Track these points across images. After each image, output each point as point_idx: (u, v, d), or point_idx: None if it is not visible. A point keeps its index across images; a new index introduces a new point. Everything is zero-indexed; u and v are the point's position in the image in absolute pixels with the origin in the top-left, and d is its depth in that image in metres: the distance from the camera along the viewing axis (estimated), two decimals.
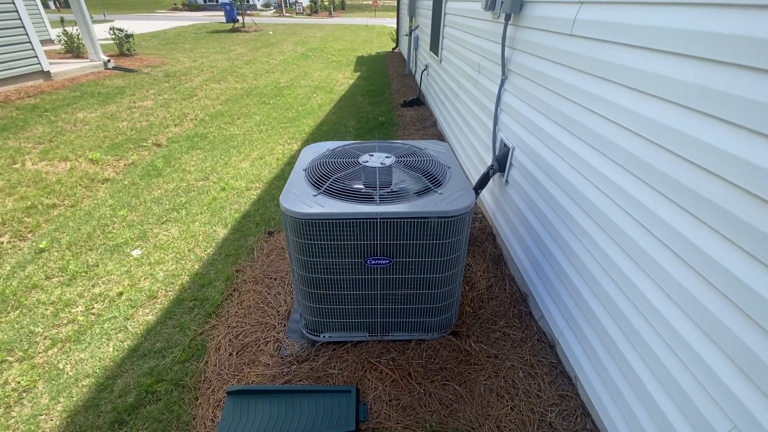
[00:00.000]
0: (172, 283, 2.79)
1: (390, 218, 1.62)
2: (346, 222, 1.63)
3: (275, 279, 2.71)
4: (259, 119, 6.23)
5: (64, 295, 2.70)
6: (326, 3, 38.21)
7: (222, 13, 24.12)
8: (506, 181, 2.61)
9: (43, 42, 11.01)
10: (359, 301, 1.89)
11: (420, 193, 1.73)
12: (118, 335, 2.37)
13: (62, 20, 10.85)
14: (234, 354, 2.14)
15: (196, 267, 2.94)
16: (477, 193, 2.81)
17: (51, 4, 29.86)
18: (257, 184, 4.15)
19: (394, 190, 1.75)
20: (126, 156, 4.91)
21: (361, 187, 1.79)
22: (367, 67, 10.37)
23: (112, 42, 11.05)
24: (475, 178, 3.36)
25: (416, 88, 7.76)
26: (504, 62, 2.61)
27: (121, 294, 2.68)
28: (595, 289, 1.70)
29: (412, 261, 1.76)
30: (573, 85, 1.84)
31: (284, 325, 2.28)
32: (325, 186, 1.76)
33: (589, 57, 1.72)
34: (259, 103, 7.09)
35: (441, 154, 2.18)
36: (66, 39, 9.69)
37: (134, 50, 10.89)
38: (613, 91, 1.57)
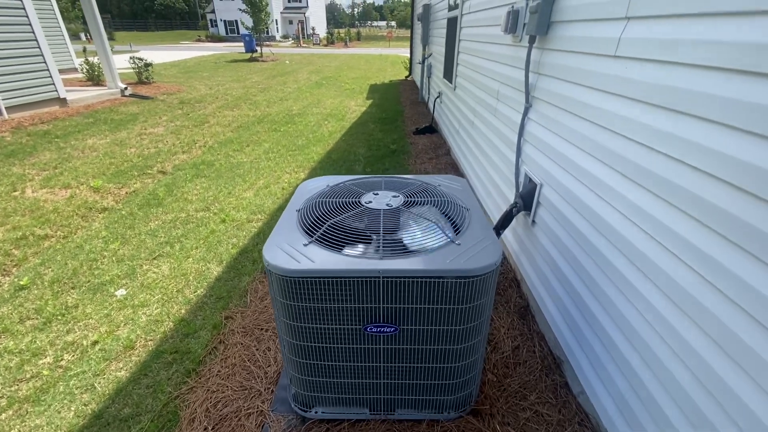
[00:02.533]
0: (154, 330, 2.48)
1: (395, 277, 1.30)
2: (341, 281, 1.31)
3: (266, 330, 2.38)
4: (268, 147, 6.07)
5: (34, 342, 2.42)
6: (342, 34, 39.43)
7: (242, 43, 24.95)
8: (533, 221, 2.28)
9: (68, 70, 11.37)
10: (358, 374, 1.55)
11: (433, 244, 1.41)
12: (84, 396, 2.06)
13: (85, 50, 11.22)
14: (209, 429, 1.79)
15: (183, 312, 2.63)
16: (498, 234, 2.47)
17: (82, 35, 31.51)
18: (259, 216, 3.89)
19: (401, 239, 1.44)
20: (129, 184, 4.75)
21: (362, 235, 1.48)
22: (379, 95, 10.32)
23: (132, 71, 11.33)
24: (495, 216, 3.03)
25: (429, 116, 7.58)
26: (528, 89, 2.33)
27: (95, 343, 2.39)
28: (662, 376, 1.32)
29: (423, 329, 1.42)
30: (621, 115, 1.53)
31: (271, 391, 1.93)
32: (318, 233, 1.46)
33: (641, 81, 1.42)
34: (270, 131, 6.98)
35: (457, 191, 1.87)
36: (87, 68, 9.94)
37: (152, 78, 11.12)
38: (675, 121, 1.25)
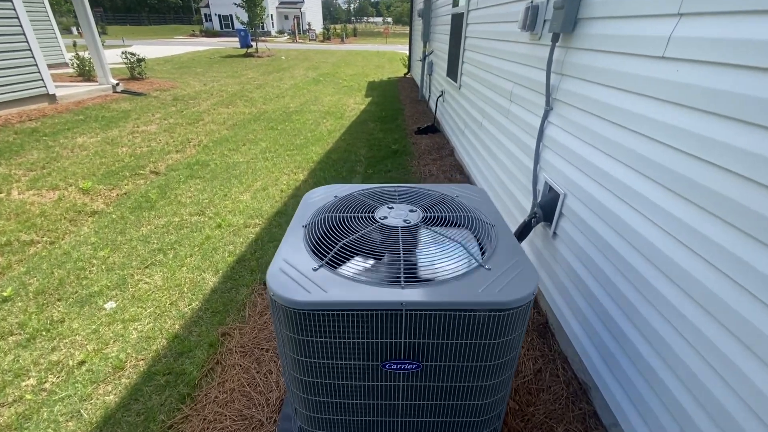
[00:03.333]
0: (145, 348, 2.31)
1: (420, 310, 1.14)
2: (358, 314, 1.14)
3: (266, 350, 2.21)
4: (265, 146, 5.88)
5: (18, 360, 2.24)
6: (338, 30, 39.04)
7: (237, 39, 24.58)
8: (554, 233, 2.12)
9: (58, 65, 11.06)
10: (374, 413, 1.39)
11: (460, 269, 1.25)
12: (69, 424, 1.88)
13: (75, 44, 10.89)
14: None
15: (177, 327, 2.46)
16: None
17: (74, 29, 30.90)
18: (257, 221, 3.71)
19: (423, 263, 1.27)
20: (120, 185, 4.55)
21: (379, 257, 1.31)
22: (378, 93, 10.13)
23: (124, 66, 11.03)
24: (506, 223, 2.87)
25: (430, 115, 7.41)
26: (549, 91, 2.17)
27: (82, 363, 2.21)
28: (717, 417, 1.18)
29: (449, 366, 1.26)
30: (669, 123, 1.37)
31: (274, 420, 1.77)
32: (329, 255, 1.29)
33: (697, 86, 1.26)
34: (267, 129, 6.77)
35: (478, 204, 1.71)
36: (78, 63, 9.65)
37: (145, 74, 10.84)
38: (744, 134, 1.10)
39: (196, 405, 1.93)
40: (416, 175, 4.71)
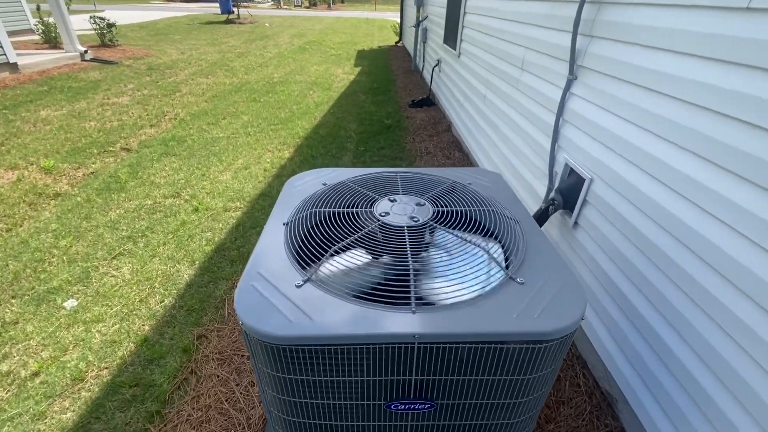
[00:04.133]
0: (110, 355, 2.03)
1: (437, 343, 0.87)
2: (355, 349, 0.87)
3: (248, 357, 1.95)
4: (247, 120, 5.44)
5: None
6: None
7: (217, 4, 23.16)
8: (575, 223, 1.86)
9: (23, 32, 10.17)
10: None
11: (485, 284, 0.98)
12: None
13: (38, 8, 9.97)
14: None
15: (146, 328, 2.18)
16: None
17: None
18: (238, 204, 3.38)
19: (439, 278, 0.99)
20: (86, 164, 4.13)
21: (382, 270, 1.03)
22: (368, 62, 9.57)
23: (93, 32, 10.19)
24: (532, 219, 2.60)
25: (425, 87, 6.98)
26: (573, 56, 1.85)
27: (36, 374, 1.93)
28: None
29: (469, 404, 1.00)
30: (749, 94, 1.08)
31: None
32: (317, 268, 1.01)
33: None
34: (249, 101, 6.30)
35: (494, 192, 1.43)
36: (43, 28, 8.84)
37: (117, 41, 10.04)
38: None
39: (165, 425, 1.67)
40: (411, 152, 4.38)
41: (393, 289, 0.94)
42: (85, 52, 8.32)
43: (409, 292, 0.94)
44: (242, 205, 3.36)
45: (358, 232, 1.11)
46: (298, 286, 0.96)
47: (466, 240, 1.09)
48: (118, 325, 2.20)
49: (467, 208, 1.25)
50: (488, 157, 3.32)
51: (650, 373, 1.43)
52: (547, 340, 0.88)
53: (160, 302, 2.35)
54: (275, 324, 0.86)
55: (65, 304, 2.33)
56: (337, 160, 4.24)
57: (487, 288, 0.96)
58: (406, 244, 1.06)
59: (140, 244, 2.85)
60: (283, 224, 1.21)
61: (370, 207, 1.23)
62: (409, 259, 1.01)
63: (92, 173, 3.94)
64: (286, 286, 0.96)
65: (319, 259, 1.02)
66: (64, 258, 2.72)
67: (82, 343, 2.09)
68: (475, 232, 1.18)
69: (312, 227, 1.19)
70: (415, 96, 6.40)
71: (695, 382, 1.24)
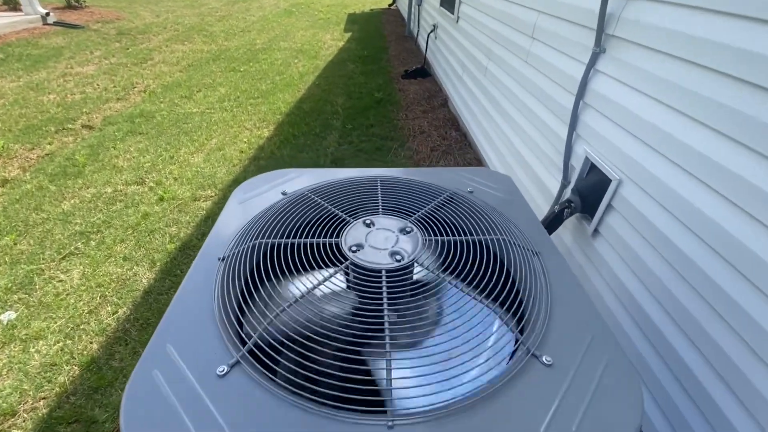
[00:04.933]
0: (49, 381, 1.74)
1: None
2: None
3: None
4: (225, 92, 4.97)
5: None
6: None
7: None
8: (595, 230, 1.55)
9: None
10: None
11: (496, 371, 0.67)
12: None
13: None
14: None
15: (93, 347, 1.88)
16: None
17: None
18: (209, 192, 3.03)
19: (429, 362, 0.68)
20: (42, 144, 3.71)
21: (345, 351, 0.71)
22: (359, 27, 8.91)
23: None
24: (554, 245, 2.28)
25: (419, 55, 6.46)
26: (602, 24, 1.48)
27: None
28: None
29: None
30: None
31: None
32: (252, 340, 0.69)
33: None
34: (227, 71, 5.77)
35: (505, 206, 1.10)
36: None
37: (84, 2, 9.21)
38: None
39: None
40: (403, 131, 3.99)
41: (361, 387, 0.62)
42: (47, 14, 7.59)
43: (384, 388, 0.63)
44: (213, 194, 3.00)
45: (316, 279, 0.79)
46: (221, 375, 0.65)
47: (469, 295, 0.77)
48: (61, 343, 1.90)
49: (468, 238, 0.93)
50: (488, 139, 2.96)
51: (681, 419, 1.17)
52: None
53: (113, 314, 2.05)
54: None
55: (1, 317, 2.02)
56: (322, 140, 3.84)
57: (499, 375, 0.66)
58: (382, 301, 0.74)
59: (94, 242, 2.51)
60: (219, 259, 0.88)
61: (338, 237, 0.90)
62: (386, 329, 0.70)
63: (47, 155, 3.53)
64: (205, 376, 0.65)
65: (256, 329, 0.71)
66: (6, 259, 2.38)
67: (17, 367, 1.80)
68: (479, 266, 0.87)
69: (254, 268, 0.86)
70: (409, 65, 5.90)
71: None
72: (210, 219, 2.73)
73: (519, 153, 2.33)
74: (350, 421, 0.60)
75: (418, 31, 6.85)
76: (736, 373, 1.02)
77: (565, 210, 1.60)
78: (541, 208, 1.97)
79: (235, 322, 0.73)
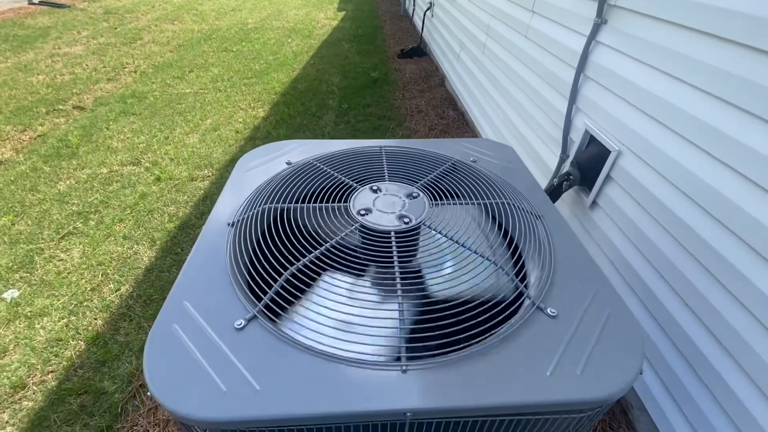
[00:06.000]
0: (56, 356, 1.77)
1: (438, 418, 0.60)
2: (324, 428, 0.60)
3: None
4: (218, 72, 4.88)
5: None
6: None
7: None
8: (593, 203, 1.58)
9: None
10: None
11: (504, 323, 0.70)
12: None
13: None
14: None
15: (98, 323, 1.91)
16: None
17: None
18: (206, 172, 3.01)
19: (440, 313, 0.71)
20: (33, 125, 3.65)
21: (357, 298, 0.74)
22: (353, 6, 8.72)
23: None
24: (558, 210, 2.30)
25: (415, 34, 6.36)
26: None
27: None
28: None
29: None
30: None
31: None
32: (267, 298, 0.71)
33: None
34: (220, 51, 5.66)
35: (508, 174, 1.12)
36: None
37: None
38: None
39: None
40: (400, 111, 3.96)
41: (374, 334, 0.65)
42: None
43: (398, 340, 0.66)
44: (210, 173, 2.99)
45: (326, 242, 0.81)
46: (239, 329, 0.67)
47: (477, 254, 0.79)
48: (65, 320, 1.92)
49: (474, 202, 0.95)
50: (487, 117, 2.96)
51: (677, 380, 1.23)
52: (591, 408, 0.62)
53: (115, 291, 2.06)
54: (198, 398, 0.58)
55: (4, 295, 2.03)
56: (318, 119, 3.81)
57: (506, 326, 0.69)
58: (393, 261, 0.76)
59: (93, 221, 2.51)
60: (228, 225, 0.89)
61: (347, 202, 0.92)
62: (398, 284, 0.72)
63: (39, 136, 3.48)
64: (223, 329, 0.68)
65: (270, 286, 0.73)
66: (5, 239, 2.37)
67: (23, 342, 1.82)
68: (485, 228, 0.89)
69: (266, 231, 0.88)
70: (405, 45, 5.82)
71: (742, 409, 1.03)
72: (208, 198, 2.73)
73: (517, 129, 2.34)
74: (366, 366, 0.63)
75: (414, 9, 6.73)
76: (714, 318, 1.07)
77: (564, 183, 1.63)
78: (540, 183, 1.99)
79: (249, 280, 0.75)
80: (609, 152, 1.45)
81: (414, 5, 6.65)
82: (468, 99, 3.49)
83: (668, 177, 1.25)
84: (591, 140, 1.59)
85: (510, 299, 0.75)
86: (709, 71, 1.11)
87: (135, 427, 1.49)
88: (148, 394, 0.64)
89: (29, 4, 7.40)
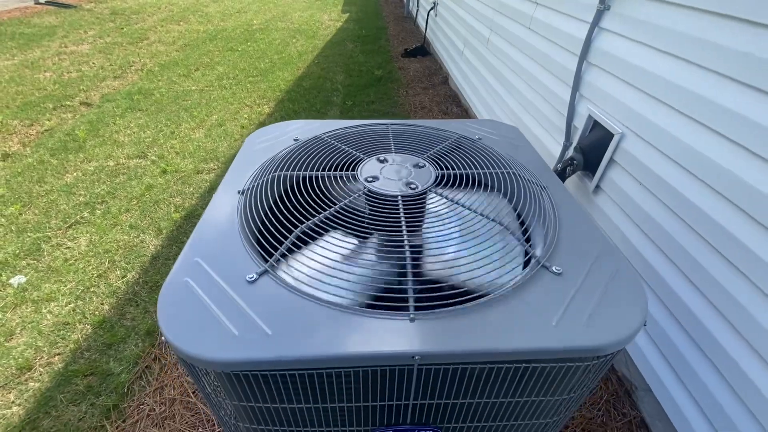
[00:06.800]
0: (62, 339, 1.78)
1: (444, 364, 0.62)
2: (333, 373, 0.62)
3: None
4: (223, 71, 4.93)
5: None
6: None
7: None
8: (596, 187, 1.59)
9: None
10: None
11: (510, 277, 0.72)
12: None
13: None
14: None
15: (105, 308, 1.92)
16: None
17: None
18: (211, 165, 3.04)
19: (446, 268, 0.72)
20: (40, 120, 3.69)
21: (366, 256, 0.76)
22: (357, 8, 8.80)
23: None
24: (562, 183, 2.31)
25: (419, 35, 6.42)
26: None
27: None
28: None
29: (482, 426, 0.78)
30: None
31: None
32: (278, 253, 0.73)
33: None
34: (225, 50, 5.71)
35: (512, 150, 1.14)
36: None
37: None
38: None
39: (124, 422, 1.46)
40: (404, 107, 3.99)
41: (383, 286, 0.67)
42: None
43: (405, 291, 0.67)
44: (216, 167, 3.02)
45: (335, 204, 0.83)
46: (251, 281, 0.69)
47: (482, 215, 0.81)
48: (72, 305, 1.94)
49: (479, 171, 0.96)
50: (491, 111, 2.98)
51: (682, 359, 1.23)
52: (597, 357, 0.64)
53: (122, 277, 2.08)
54: (213, 341, 0.60)
55: (12, 281, 2.05)
56: (323, 115, 3.85)
57: (512, 282, 0.70)
58: (400, 221, 0.78)
59: (100, 211, 2.53)
60: (239, 192, 0.91)
61: (354, 170, 0.93)
62: (405, 242, 0.74)
63: (47, 131, 3.52)
64: (235, 282, 0.69)
65: (281, 243, 0.74)
66: (12, 228, 2.40)
67: (30, 326, 1.84)
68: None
69: (276, 197, 0.90)
70: (408, 44, 5.87)
71: (747, 383, 1.04)
72: (213, 190, 2.75)
73: (520, 120, 2.36)
74: (374, 315, 0.64)
75: (417, 10, 6.79)
76: (719, 293, 1.08)
77: (568, 168, 1.64)
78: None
79: (261, 239, 0.77)
80: (612, 135, 1.47)
81: (418, 6, 6.71)
82: (471, 95, 3.51)
83: (670, 155, 1.26)
84: (594, 125, 1.61)
85: (516, 257, 0.76)
86: (711, 48, 1.13)
87: (141, 406, 1.51)
88: (161, 338, 0.65)
89: (35, 3, 7.50)
